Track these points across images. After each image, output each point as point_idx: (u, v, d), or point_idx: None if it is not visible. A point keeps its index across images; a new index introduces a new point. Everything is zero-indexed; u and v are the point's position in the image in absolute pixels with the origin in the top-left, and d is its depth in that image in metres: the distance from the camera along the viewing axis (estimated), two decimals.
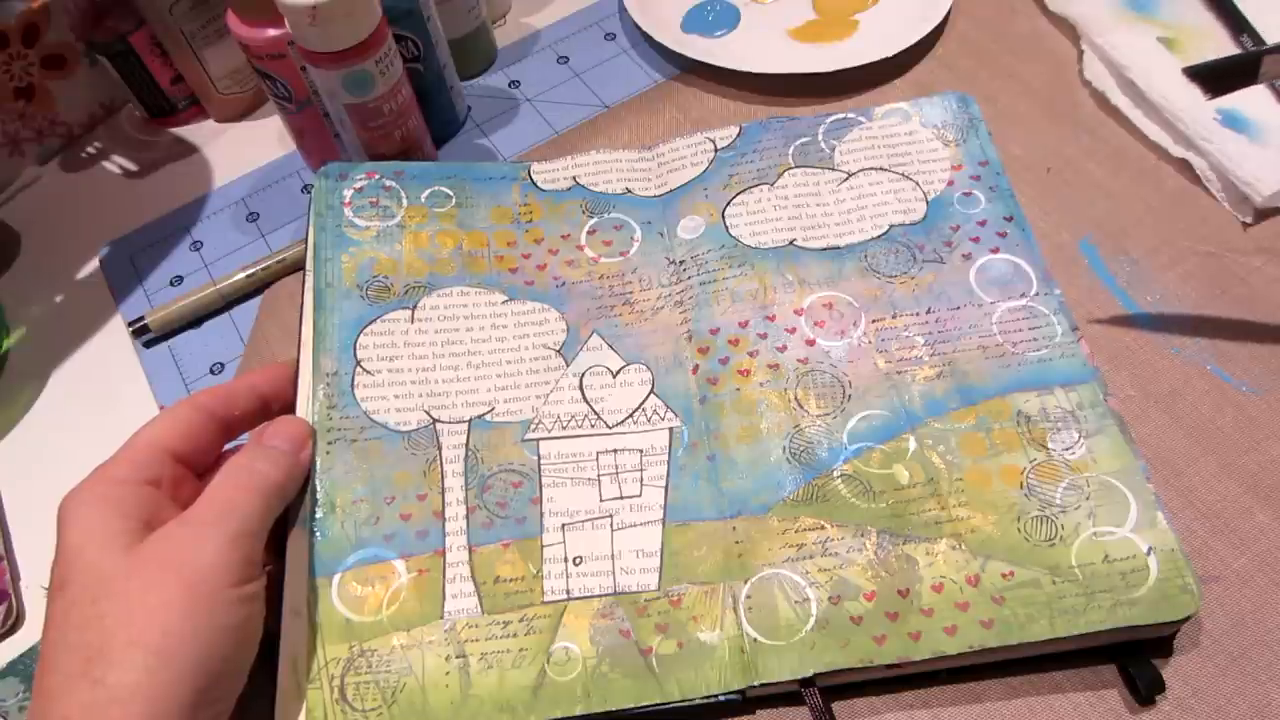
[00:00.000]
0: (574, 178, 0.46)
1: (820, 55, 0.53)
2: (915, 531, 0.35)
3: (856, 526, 0.35)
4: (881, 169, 0.45)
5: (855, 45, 0.53)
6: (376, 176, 0.44)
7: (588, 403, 0.39)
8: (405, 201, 0.44)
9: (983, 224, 0.42)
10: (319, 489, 0.35)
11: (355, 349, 0.39)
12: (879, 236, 0.42)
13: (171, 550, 0.29)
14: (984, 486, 0.35)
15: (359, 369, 0.38)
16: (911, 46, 0.51)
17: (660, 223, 0.45)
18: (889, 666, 0.32)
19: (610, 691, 0.33)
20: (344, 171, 0.44)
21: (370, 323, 0.39)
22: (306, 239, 0.42)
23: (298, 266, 0.48)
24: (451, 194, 0.45)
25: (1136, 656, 0.33)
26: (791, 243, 0.42)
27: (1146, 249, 0.43)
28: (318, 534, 0.35)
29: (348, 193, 0.43)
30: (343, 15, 0.42)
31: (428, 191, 0.44)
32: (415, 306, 0.41)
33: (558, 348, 0.41)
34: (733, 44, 0.55)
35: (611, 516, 0.36)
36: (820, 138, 0.46)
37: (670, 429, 0.38)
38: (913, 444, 0.36)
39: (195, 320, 0.48)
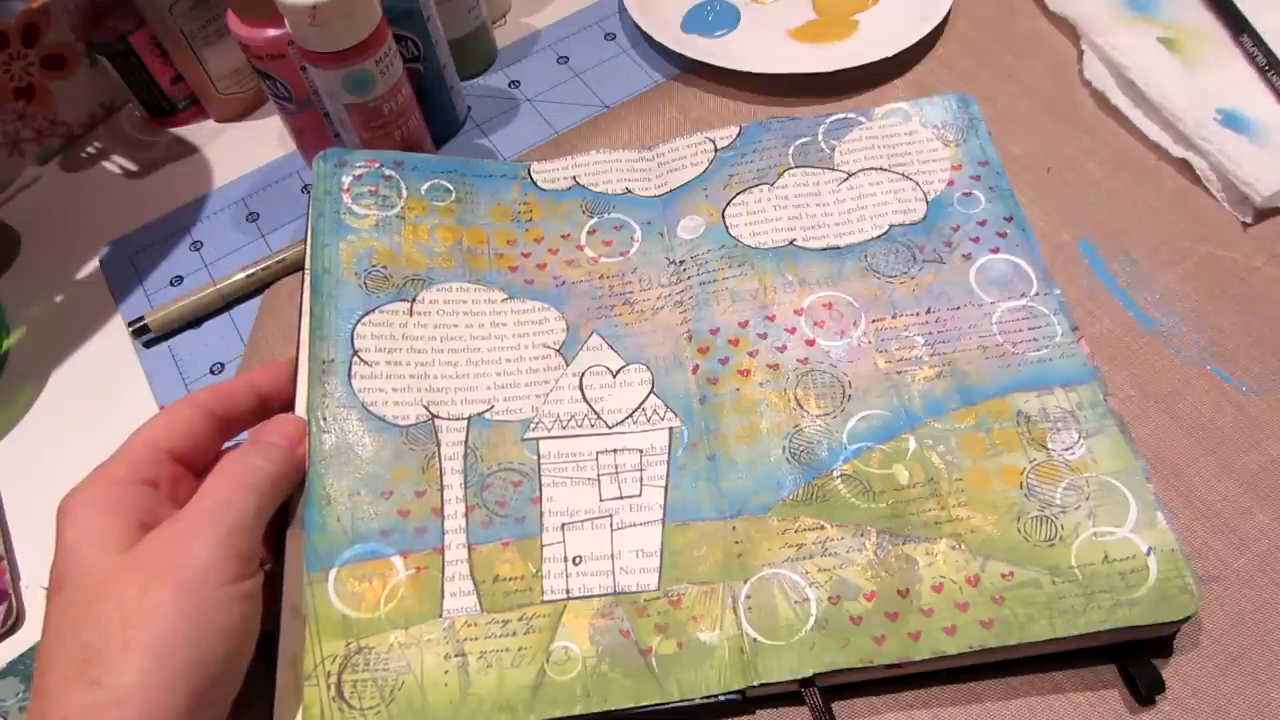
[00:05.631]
0: (574, 177, 0.46)
1: (820, 55, 0.53)
2: (915, 531, 0.34)
3: (856, 526, 0.35)
4: (881, 169, 0.45)
5: (855, 45, 0.53)
6: (376, 165, 0.44)
7: (588, 402, 0.39)
8: (405, 193, 0.44)
9: (983, 224, 0.42)
10: (315, 480, 0.35)
11: (353, 338, 0.38)
12: (879, 236, 0.42)
13: (166, 550, 0.29)
14: (984, 486, 0.35)
15: (356, 359, 0.38)
16: (911, 46, 0.51)
17: (660, 223, 0.45)
18: (889, 666, 0.32)
19: (610, 691, 0.32)
20: (343, 158, 0.43)
21: (368, 313, 0.39)
22: (306, 227, 0.42)
23: (298, 266, 0.48)
24: (451, 189, 0.45)
25: (1136, 656, 0.33)
26: (791, 243, 0.42)
27: (1146, 249, 0.43)
28: (314, 526, 0.34)
29: (346, 179, 0.43)
30: (343, 15, 0.42)
31: (427, 184, 0.44)
32: (414, 300, 0.40)
33: (557, 347, 0.41)
34: (733, 44, 0.55)
35: (611, 516, 0.36)
36: (820, 138, 0.46)
37: (670, 429, 0.38)
38: (912, 444, 0.36)
39: (195, 320, 0.48)
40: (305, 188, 0.53)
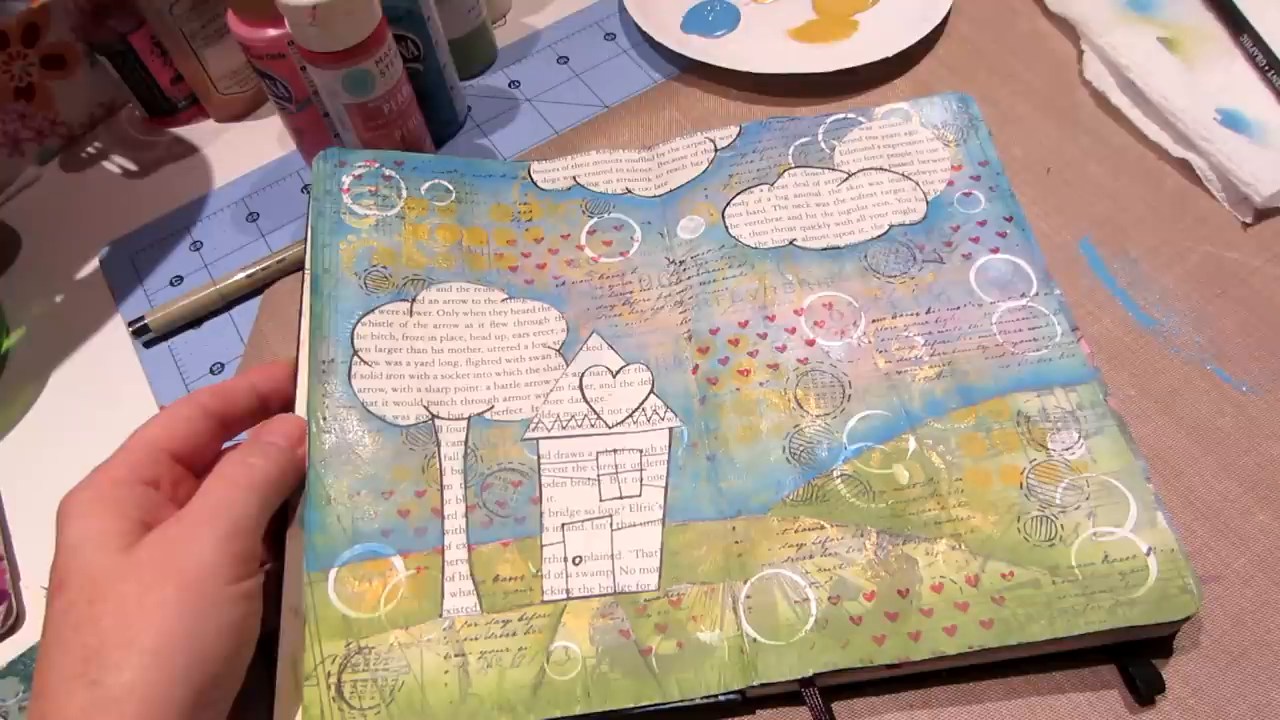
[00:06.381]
0: (574, 177, 0.46)
1: (820, 55, 0.53)
2: (915, 531, 0.34)
3: (856, 526, 0.35)
4: (881, 169, 0.45)
5: (855, 45, 0.53)
6: (376, 165, 0.44)
7: (587, 402, 0.39)
8: (405, 193, 0.44)
9: (983, 224, 0.42)
10: (315, 480, 0.35)
11: (353, 338, 0.38)
12: (879, 236, 0.42)
13: (167, 550, 0.29)
14: (984, 486, 0.35)
15: (356, 359, 0.38)
16: (911, 46, 0.51)
17: (660, 223, 0.45)
18: (889, 666, 0.32)
19: (610, 691, 0.32)
20: (343, 158, 0.43)
21: (368, 313, 0.39)
22: (306, 227, 0.42)
23: (298, 266, 0.48)
24: (451, 189, 0.45)
25: (1136, 656, 0.33)
26: (791, 243, 0.42)
27: (1146, 249, 0.43)
28: (314, 526, 0.34)
29: (346, 179, 0.43)
30: (343, 15, 0.42)
31: (427, 184, 0.44)
32: (414, 300, 0.40)
33: (557, 347, 0.41)
34: (733, 44, 0.55)
35: (611, 516, 0.36)
36: (820, 138, 0.46)
37: (670, 429, 0.38)
38: (912, 444, 0.36)
39: (195, 320, 0.48)
40: (305, 188, 0.53)
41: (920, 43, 0.51)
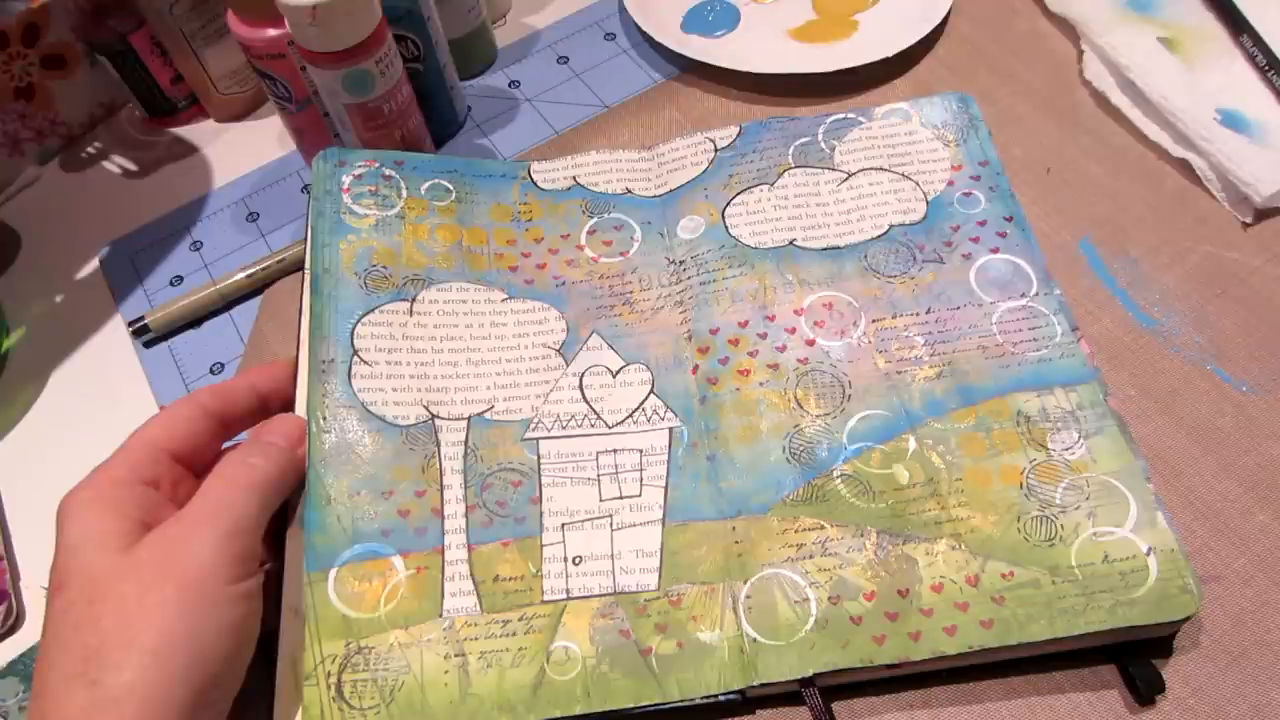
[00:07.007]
0: (574, 177, 0.46)
1: (820, 55, 0.53)
2: (915, 531, 0.34)
3: (856, 526, 0.35)
4: (881, 169, 0.45)
5: (855, 45, 0.53)
6: (376, 165, 0.44)
7: (587, 402, 0.39)
8: (405, 193, 0.44)
9: (983, 224, 0.42)
10: (315, 480, 0.35)
11: (353, 338, 0.38)
12: (879, 236, 0.42)
13: (166, 550, 0.29)
14: (984, 486, 0.35)
15: (356, 359, 0.38)
16: (911, 46, 0.51)
17: (660, 223, 0.45)
18: (889, 666, 0.32)
19: (610, 691, 0.32)
20: (343, 158, 0.43)
21: (368, 312, 0.39)
22: (306, 227, 0.42)
23: (298, 266, 0.48)
24: (451, 189, 0.45)
25: (1136, 656, 0.33)
26: (791, 243, 0.42)
27: (1146, 249, 0.43)
28: (314, 526, 0.34)
29: (346, 179, 0.43)
30: (343, 15, 0.42)
31: (427, 184, 0.44)
32: (414, 300, 0.40)
33: (557, 347, 0.41)
34: (733, 44, 0.55)
35: (611, 516, 0.36)
36: (820, 138, 0.46)
37: (670, 429, 0.38)
38: (912, 444, 0.36)
39: (195, 320, 0.48)
40: (305, 188, 0.53)
41: (920, 43, 0.51)
